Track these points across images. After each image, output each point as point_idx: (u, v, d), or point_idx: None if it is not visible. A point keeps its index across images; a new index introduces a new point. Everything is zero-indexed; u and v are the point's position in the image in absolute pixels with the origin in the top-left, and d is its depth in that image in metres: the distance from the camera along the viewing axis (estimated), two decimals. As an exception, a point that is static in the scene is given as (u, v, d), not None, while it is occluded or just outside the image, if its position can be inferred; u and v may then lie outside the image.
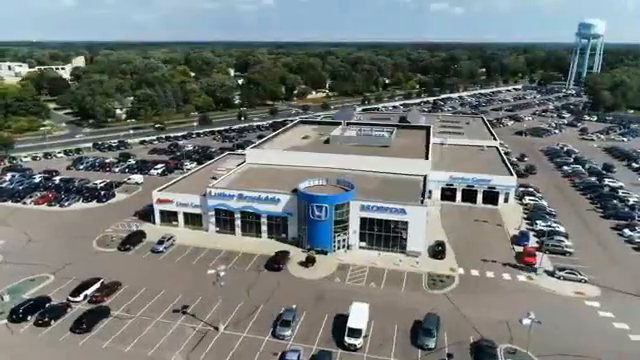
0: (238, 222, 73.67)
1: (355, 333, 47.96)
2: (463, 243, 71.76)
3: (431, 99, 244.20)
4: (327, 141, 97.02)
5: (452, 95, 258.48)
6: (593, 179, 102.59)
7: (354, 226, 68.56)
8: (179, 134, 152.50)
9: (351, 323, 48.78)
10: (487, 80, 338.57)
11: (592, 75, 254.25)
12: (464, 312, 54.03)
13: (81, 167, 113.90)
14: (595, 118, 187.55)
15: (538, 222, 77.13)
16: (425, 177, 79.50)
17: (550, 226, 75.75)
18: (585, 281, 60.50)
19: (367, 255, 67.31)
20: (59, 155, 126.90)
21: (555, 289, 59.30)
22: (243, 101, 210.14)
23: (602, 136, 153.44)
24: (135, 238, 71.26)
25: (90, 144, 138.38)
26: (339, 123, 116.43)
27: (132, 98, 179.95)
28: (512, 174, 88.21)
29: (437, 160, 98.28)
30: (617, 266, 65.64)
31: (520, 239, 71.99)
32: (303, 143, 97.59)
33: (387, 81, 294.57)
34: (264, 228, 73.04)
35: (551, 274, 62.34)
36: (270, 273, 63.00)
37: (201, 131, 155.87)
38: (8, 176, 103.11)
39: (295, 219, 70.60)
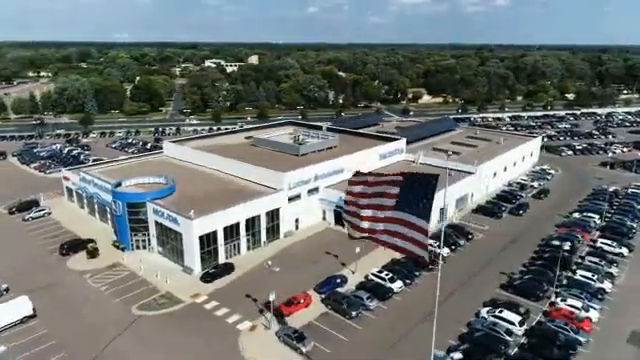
0: (96, 207, 78.71)
1: (-18, 324, 48.32)
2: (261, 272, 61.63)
3: (562, 112, 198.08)
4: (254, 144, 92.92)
5: (598, 110, 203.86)
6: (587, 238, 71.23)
7: (152, 229, 66.02)
8: (230, 127, 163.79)
9: (-15, 314, 49.21)
10: None
11: None
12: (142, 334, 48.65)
13: (113, 146, 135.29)
14: None
15: (383, 273, 59.53)
16: (276, 190, 70.08)
17: (383, 279, 58.05)
18: (300, 352, 45.63)
19: (149, 260, 63.96)
20: (119, 134, 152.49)
21: (252, 349, 46.62)
22: (343, 101, 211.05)
23: None
24: (25, 205, 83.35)
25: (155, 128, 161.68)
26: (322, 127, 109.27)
27: (225, 92, 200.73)
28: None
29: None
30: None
31: (323, 284, 57.46)
32: (232, 143, 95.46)
33: (530, 88, 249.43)
34: (109, 216, 76.17)
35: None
36: (58, 257, 66.12)
37: (251, 126, 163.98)
38: (54, 146, 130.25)
39: (121, 212, 71.69)
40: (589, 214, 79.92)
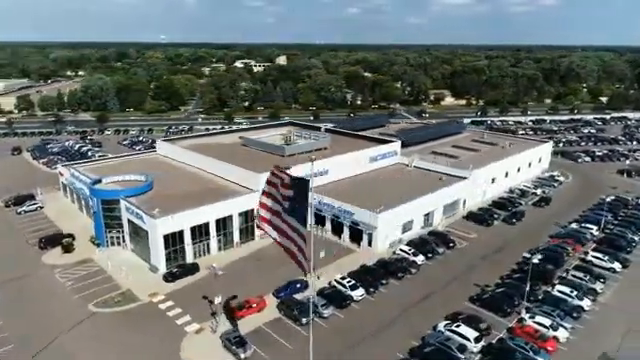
0: (82, 202, 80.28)
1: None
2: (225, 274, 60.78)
3: (590, 117, 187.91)
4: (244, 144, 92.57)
5: (630, 114, 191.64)
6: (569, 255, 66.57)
7: (125, 226, 66.56)
8: (243, 126, 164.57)
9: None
10: None
11: None
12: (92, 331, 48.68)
13: (124, 143, 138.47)
14: None
15: (346, 280, 57.55)
16: (252, 190, 69.30)
17: (344, 286, 56.08)
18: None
19: (121, 258, 64.42)
20: (132, 132, 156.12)
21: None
22: (361, 101, 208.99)
23: None
24: (20, 199, 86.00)
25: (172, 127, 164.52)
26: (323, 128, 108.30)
27: (244, 92, 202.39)
28: (378, 211, 66.20)
29: (351, 179, 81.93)
30: None
31: (282, 288, 56.11)
32: (225, 142, 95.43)
33: (560, 90, 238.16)
34: (92, 211, 77.43)
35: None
36: (37, 251, 67.58)
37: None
38: (66, 142, 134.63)
39: (102, 207, 72.66)
40: (587, 225, 74.82)
